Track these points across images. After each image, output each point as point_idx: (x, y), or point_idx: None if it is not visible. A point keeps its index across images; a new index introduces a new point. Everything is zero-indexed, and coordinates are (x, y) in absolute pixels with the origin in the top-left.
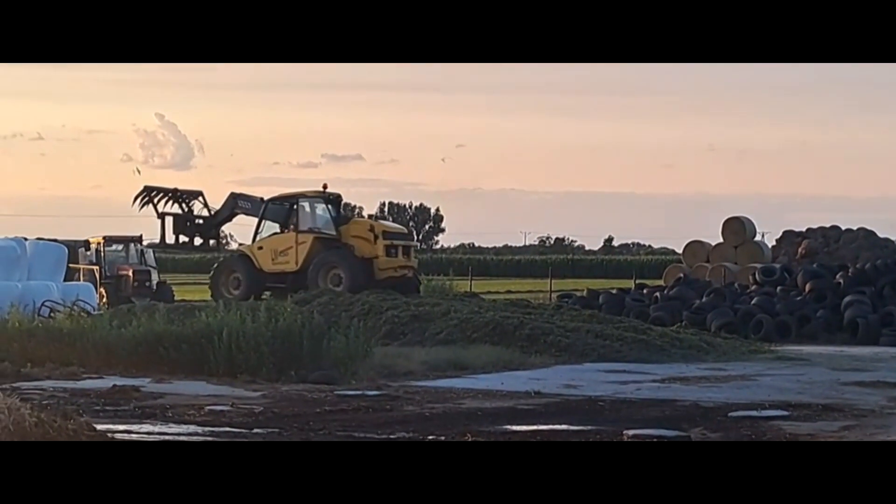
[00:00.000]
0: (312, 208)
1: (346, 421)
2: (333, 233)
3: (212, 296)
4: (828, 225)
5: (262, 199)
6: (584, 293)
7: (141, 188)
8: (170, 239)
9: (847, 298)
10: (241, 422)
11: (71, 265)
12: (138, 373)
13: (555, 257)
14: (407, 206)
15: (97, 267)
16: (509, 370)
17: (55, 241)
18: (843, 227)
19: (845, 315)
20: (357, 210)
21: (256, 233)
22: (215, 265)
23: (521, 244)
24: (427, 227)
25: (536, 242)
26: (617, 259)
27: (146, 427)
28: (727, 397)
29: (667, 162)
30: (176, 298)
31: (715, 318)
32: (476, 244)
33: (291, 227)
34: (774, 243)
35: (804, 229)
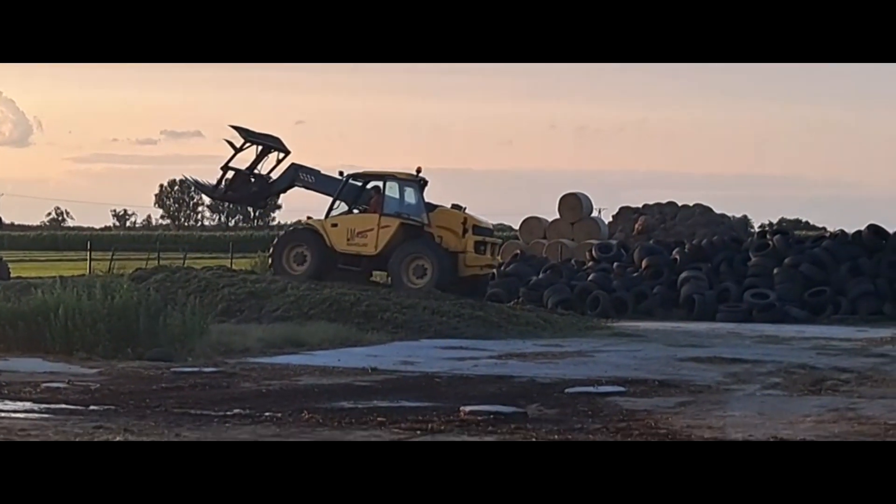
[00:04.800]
0: (402, 191)
1: (182, 398)
2: (424, 220)
3: (272, 269)
4: (664, 201)
5: (337, 174)
6: None
7: (237, 126)
8: (220, 193)
9: (683, 275)
10: (78, 399)
11: None
12: None
13: None
14: None
15: None
16: (346, 347)
17: None
18: (680, 204)
19: (681, 291)
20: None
21: (331, 208)
22: (277, 237)
23: None
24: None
25: None
26: None
27: None
28: (564, 373)
29: (506, 138)
30: (12, 276)
31: (552, 294)
32: None
33: (365, 207)
34: (611, 220)
35: (641, 205)
